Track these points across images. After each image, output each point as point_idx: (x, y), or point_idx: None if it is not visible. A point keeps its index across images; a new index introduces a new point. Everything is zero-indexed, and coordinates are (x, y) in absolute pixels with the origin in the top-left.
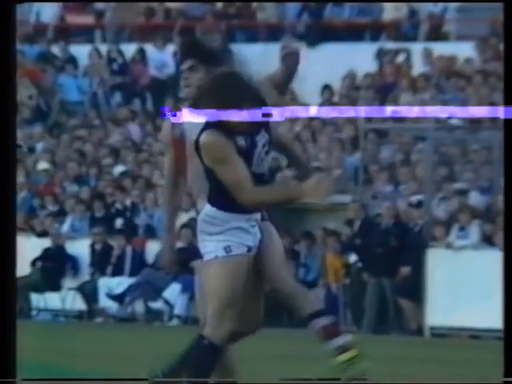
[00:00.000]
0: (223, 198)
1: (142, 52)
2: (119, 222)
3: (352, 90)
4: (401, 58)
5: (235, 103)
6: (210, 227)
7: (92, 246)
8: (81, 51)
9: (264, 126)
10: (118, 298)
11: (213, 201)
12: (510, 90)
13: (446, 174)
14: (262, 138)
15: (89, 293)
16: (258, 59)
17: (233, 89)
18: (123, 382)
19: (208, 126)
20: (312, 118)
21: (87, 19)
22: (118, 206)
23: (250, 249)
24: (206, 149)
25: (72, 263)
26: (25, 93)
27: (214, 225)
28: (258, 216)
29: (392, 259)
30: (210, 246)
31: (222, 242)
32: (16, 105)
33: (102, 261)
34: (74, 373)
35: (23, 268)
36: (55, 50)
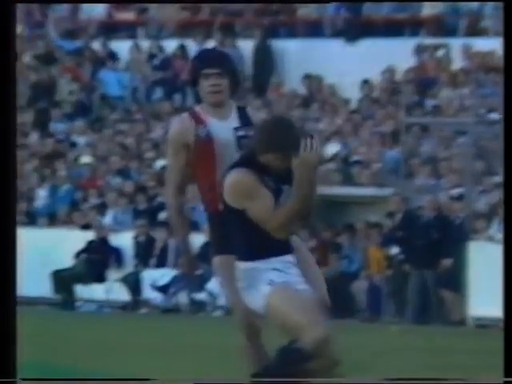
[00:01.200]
0: (249, 247)
1: (182, 48)
2: (162, 215)
3: (391, 85)
4: (440, 53)
5: (288, 149)
6: (247, 281)
7: (135, 238)
8: (122, 47)
9: (288, 182)
10: (162, 290)
11: (241, 255)
12: (510, 89)
13: (486, 168)
14: (286, 190)
15: (133, 284)
16: (298, 55)
17: (289, 135)
18: (124, 382)
19: (236, 165)
20: (353, 112)
21: (129, 15)
22: (160, 199)
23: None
24: (234, 186)
25: (116, 255)
26: (66, 88)
27: (250, 277)
28: (290, 258)
29: (434, 251)
30: (256, 295)
31: (263, 284)
32: (16, 105)
33: (146, 253)
34: (119, 364)
35: (67, 260)
36: (96, 45)
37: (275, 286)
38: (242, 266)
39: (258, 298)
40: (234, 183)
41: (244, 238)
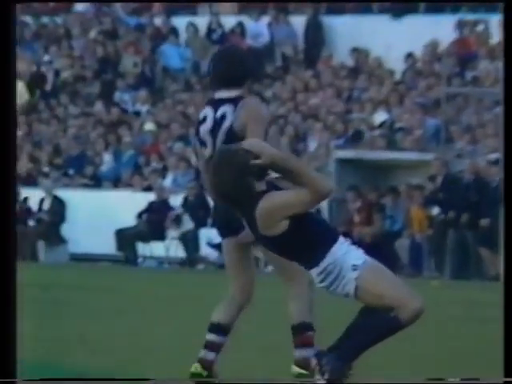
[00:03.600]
0: (309, 251)
1: (240, 24)
2: None
3: (434, 58)
4: (479, 29)
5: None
6: (331, 276)
7: (185, 198)
8: (184, 23)
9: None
10: (218, 247)
11: (310, 264)
12: (510, 89)
13: None
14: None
15: (191, 242)
16: (347, 30)
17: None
18: (124, 382)
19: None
20: (397, 83)
21: None
22: None
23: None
24: (267, 214)
25: (175, 215)
26: (129, 61)
27: (331, 272)
28: (343, 238)
29: (472, 212)
30: (346, 283)
31: (348, 271)
32: (15, 105)
33: (202, 213)
34: (174, 315)
35: (130, 220)
36: (158, 21)
37: (361, 269)
38: (317, 270)
39: (348, 285)
40: (266, 212)
41: (300, 250)
